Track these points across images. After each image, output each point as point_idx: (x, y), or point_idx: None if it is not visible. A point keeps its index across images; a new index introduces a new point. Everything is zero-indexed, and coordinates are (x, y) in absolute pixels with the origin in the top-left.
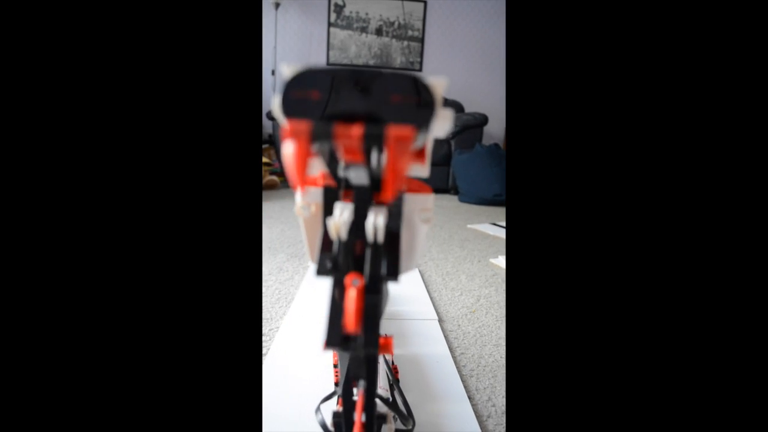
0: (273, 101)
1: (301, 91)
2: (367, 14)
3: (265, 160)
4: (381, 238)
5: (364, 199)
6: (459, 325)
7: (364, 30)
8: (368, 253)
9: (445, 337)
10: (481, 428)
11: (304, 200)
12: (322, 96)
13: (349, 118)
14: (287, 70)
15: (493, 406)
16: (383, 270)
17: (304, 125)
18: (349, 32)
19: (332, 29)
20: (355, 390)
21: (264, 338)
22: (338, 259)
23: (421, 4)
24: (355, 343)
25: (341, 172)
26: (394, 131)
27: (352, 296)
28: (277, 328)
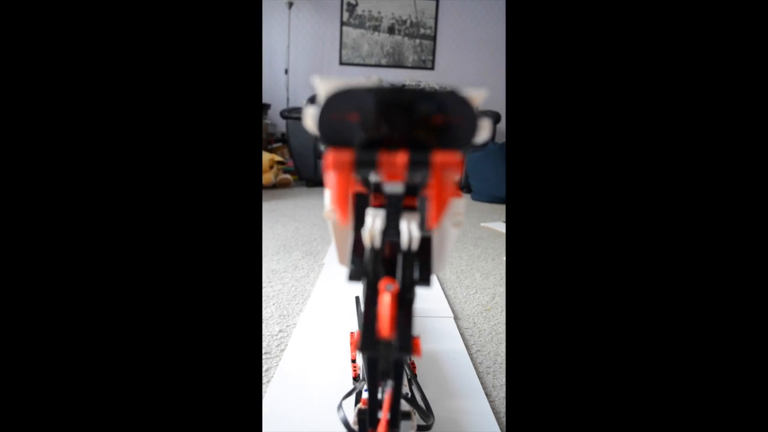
0: (306, 112)
1: (340, 113)
2: (379, 13)
3: (278, 158)
4: (415, 246)
5: (397, 205)
6: (474, 323)
7: (376, 29)
8: (400, 258)
9: (461, 334)
10: (498, 425)
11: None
12: (362, 117)
13: (393, 144)
14: (322, 87)
15: None
16: (416, 275)
17: (347, 156)
18: (362, 31)
19: (345, 28)
20: (379, 388)
21: (281, 334)
22: (371, 265)
23: (433, 2)
24: (389, 347)
25: (373, 177)
26: (440, 158)
27: (386, 301)
28: (295, 324)
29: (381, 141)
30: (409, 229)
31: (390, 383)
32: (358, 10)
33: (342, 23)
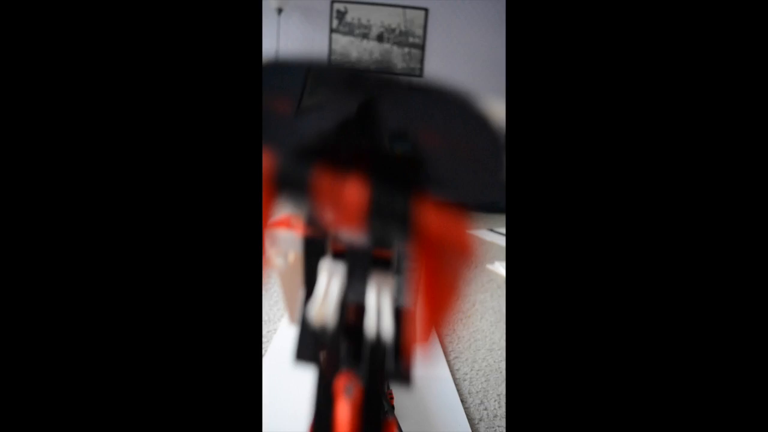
0: None
1: (270, 97)
2: (368, 21)
3: None
4: (388, 329)
5: (362, 262)
6: (453, 330)
7: (365, 36)
8: (367, 347)
9: (440, 341)
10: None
11: (277, 248)
12: (298, 105)
13: (346, 159)
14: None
15: (485, 409)
16: (388, 367)
17: (266, 162)
18: (351, 38)
19: (334, 35)
20: None
21: (262, 340)
22: (323, 351)
23: (422, 12)
24: None
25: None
26: (436, 226)
27: (344, 415)
28: (275, 330)
29: (321, 151)
30: (378, 305)
31: None
32: (348, 18)
33: (331, 30)
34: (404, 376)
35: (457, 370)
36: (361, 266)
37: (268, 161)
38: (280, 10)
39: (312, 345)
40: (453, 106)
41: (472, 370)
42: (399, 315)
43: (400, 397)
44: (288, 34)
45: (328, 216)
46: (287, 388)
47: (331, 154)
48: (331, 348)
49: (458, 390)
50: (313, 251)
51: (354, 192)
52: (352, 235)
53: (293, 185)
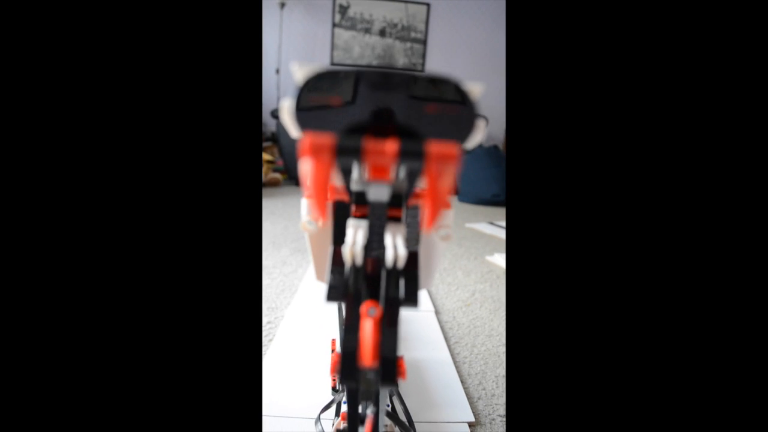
0: (283, 105)
1: (319, 96)
2: (371, 15)
3: (268, 157)
4: (402, 263)
5: (381, 215)
6: (454, 317)
7: (367, 31)
8: (384, 275)
9: (441, 327)
10: (471, 409)
11: (311, 214)
12: (345, 102)
13: (380, 132)
14: (300, 71)
15: (483, 389)
16: (401, 294)
17: (326, 140)
18: (353, 33)
19: (336, 30)
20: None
21: (270, 326)
22: (352, 285)
23: (424, 7)
24: (371, 376)
25: (354, 185)
26: (436, 149)
27: (368, 329)
28: (282, 316)
29: (366, 129)
30: (394, 244)
31: (371, 409)
32: (350, 13)
33: (334, 25)
34: (412, 300)
35: (458, 354)
36: (379, 224)
37: (328, 139)
38: (283, 5)
39: (341, 286)
40: (446, 86)
41: (471, 354)
42: (409, 256)
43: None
44: (291, 29)
45: (366, 167)
46: (294, 372)
47: (372, 129)
48: (357, 283)
49: (458, 372)
50: (340, 214)
51: (389, 146)
52: (375, 192)
53: (347, 152)
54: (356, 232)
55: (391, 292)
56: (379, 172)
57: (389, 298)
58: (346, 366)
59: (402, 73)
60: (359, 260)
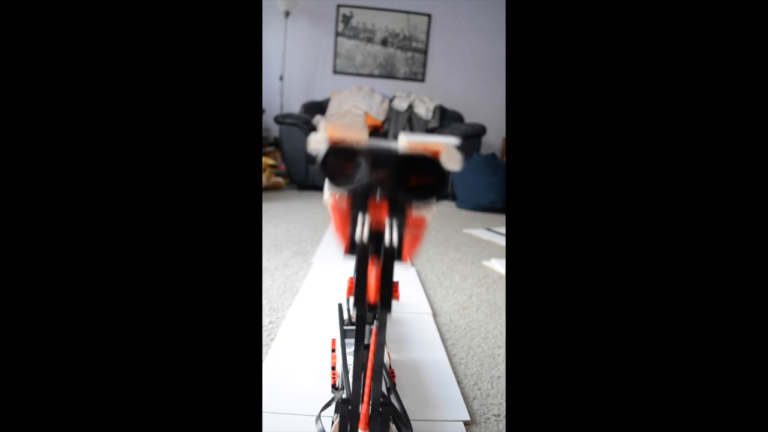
0: (310, 139)
1: (337, 162)
2: (373, 25)
3: (271, 162)
4: (396, 239)
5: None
6: (451, 320)
7: (370, 40)
8: (384, 245)
9: (439, 329)
10: (467, 408)
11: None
12: (355, 169)
13: (377, 195)
14: (325, 129)
15: (479, 389)
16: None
17: (344, 202)
18: (356, 42)
19: (339, 39)
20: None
21: (272, 326)
22: (362, 248)
23: (426, 18)
24: (375, 310)
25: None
26: (411, 219)
27: (374, 273)
28: (284, 316)
29: (367, 195)
30: (390, 228)
31: (375, 323)
32: (353, 22)
33: (337, 34)
34: (403, 259)
35: (454, 355)
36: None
37: (346, 199)
38: (287, 14)
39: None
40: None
41: (467, 355)
42: (400, 237)
43: (401, 376)
44: (294, 37)
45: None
46: (295, 370)
47: (374, 191)
48: (365, 248)
49: (455, 372)
50: (356, 202)
51: (381, 206)
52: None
53: (358, 207)
54: (365, 222)
55: (388, 259)
56: (376, 222)
57: (387, 260)
58: (359, 296)
59: (389, 154)
60: (366, 239)
